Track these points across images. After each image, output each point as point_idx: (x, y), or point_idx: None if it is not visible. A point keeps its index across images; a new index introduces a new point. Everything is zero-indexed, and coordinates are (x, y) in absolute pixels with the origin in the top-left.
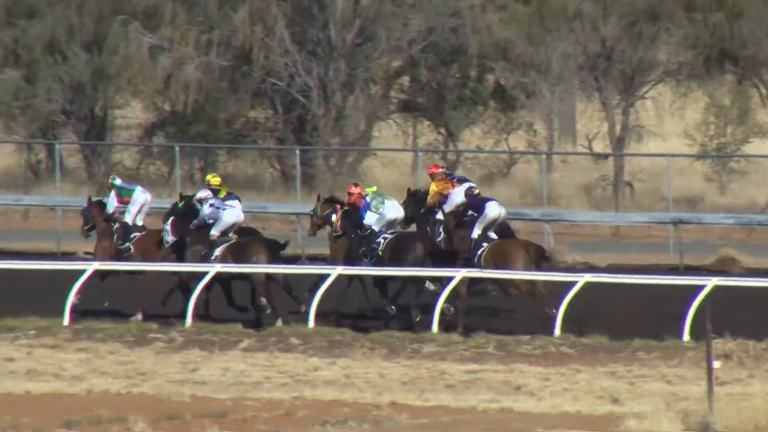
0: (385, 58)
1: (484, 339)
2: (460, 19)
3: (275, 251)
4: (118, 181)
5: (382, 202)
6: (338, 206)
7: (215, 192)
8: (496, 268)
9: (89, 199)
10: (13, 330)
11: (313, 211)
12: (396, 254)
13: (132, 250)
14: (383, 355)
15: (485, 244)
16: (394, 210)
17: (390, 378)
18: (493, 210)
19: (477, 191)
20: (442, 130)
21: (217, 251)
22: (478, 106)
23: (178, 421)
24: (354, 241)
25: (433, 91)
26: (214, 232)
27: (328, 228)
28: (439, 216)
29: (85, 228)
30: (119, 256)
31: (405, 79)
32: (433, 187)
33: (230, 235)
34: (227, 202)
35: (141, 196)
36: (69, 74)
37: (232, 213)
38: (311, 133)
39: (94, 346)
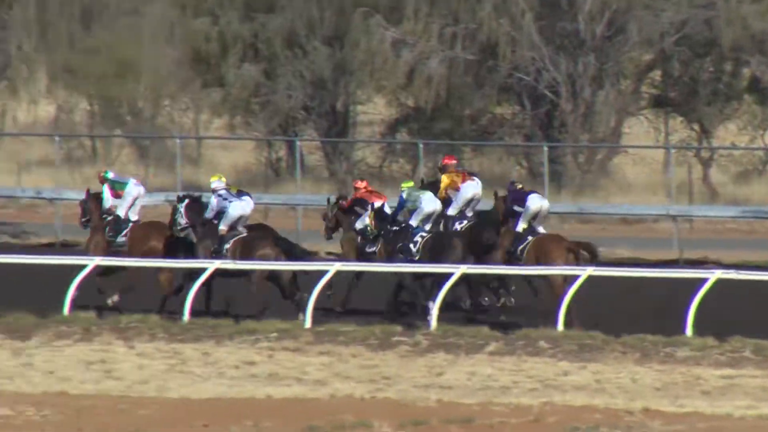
0: (636, 51)
1: (740, 343)
2: (714, 10)
3: (285, 250)
4: (110, 175)
5: (419, 197)
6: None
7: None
8: (538, 263)
9: (88, 191)
10: (253, 333)
11: (326, 214)
12: (435, 254)
13: (125, 242)
14: (635, 360)
15: (529, 238)
16: (431, 203)
17: (642, 383)
18: (535, 202)
19: (520, 186)
20: (696, 126)
21: (227, 245)
22: (733, 101)
23: (423, 426)
24: (389, 238)
25: (686, 86)
26: (223, 227)
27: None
28: (450, 211)
29: (83, 220)
30: (111, 249)
31: (657, 74)
32: (445, 180)
33: (239, 228)
34: (242, 197)
35: (134, 189)
36: (309, 69)
37: (238, 206)
38: (559, 129)
39: (337, 350)
